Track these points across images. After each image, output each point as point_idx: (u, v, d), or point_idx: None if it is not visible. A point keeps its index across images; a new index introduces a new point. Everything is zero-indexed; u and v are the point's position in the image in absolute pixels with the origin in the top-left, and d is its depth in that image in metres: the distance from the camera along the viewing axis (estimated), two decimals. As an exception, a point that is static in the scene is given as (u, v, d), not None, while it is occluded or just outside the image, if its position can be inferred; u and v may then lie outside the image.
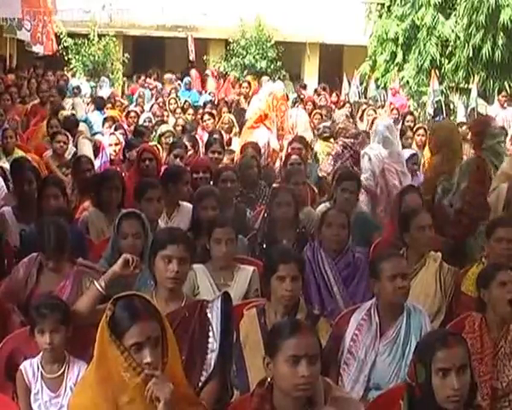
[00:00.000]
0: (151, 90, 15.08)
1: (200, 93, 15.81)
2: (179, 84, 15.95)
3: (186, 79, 16.32)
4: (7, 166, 6.54)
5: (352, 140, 7.23)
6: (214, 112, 10.37)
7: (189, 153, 7.31)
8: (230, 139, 8.99)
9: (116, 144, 7.71)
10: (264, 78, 14.02)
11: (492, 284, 3.50)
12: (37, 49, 13.36)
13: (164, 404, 2.56)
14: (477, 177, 5.18)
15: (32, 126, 8.77)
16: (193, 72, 17.37)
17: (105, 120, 9.53)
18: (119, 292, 2.82)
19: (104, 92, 13.87)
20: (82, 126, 9.05)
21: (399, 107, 12.16)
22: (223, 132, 8.66)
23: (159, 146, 7.51)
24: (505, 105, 12.43)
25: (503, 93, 13.05)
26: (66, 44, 17.46)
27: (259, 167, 6.32)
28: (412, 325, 3.50)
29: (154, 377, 2.59)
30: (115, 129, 8.53)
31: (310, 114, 10.61)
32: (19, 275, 3.86)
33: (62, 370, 3.25)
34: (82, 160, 6.25)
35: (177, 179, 5.39)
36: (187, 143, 7.49)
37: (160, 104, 11.84)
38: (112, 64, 17.81)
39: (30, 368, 3.25)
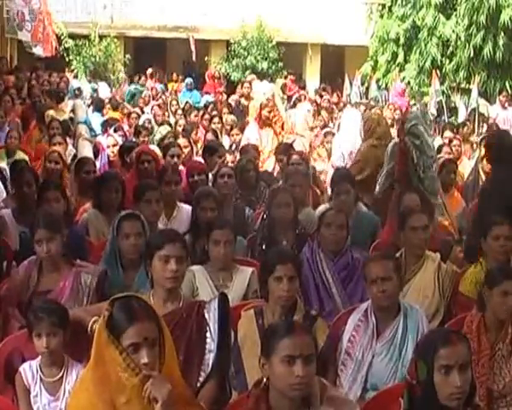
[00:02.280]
0: (151, 90, 15.12)
1: (202, 94, 15.86)
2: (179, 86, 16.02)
3: (187, 80, 16.36)
4: (4, 166, 6.57)
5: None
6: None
7: (187, 150, 7.29)
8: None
9: (114, 145, 7.72)
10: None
11: (496, 289, 3.51)
12: (37, 51, 13.37)
13: (161, 404, 2.55)
14: (400, 159, 5.78)
15: (32, 128, 8.79)
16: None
17: (105, 121, 9.55)
18: (117, 293, 2.83)
19: (102, 95, 13.88)
20: (82, 128, 9.06)
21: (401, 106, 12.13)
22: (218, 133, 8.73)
23: (157, 149, 7.50)
24: (506, 105, 12.46)
25: (504, 93, 13.08)
26: (67, 46, 17.50)
27: (257, 170, 6.27)
28: (409, 325, 3.52)
29: (152, 377, 2.60)
30: (115, 130, 8.55)
31: (313, 116, 10.70)
32: (19, 277, 3.89)
33: (61, 373, 3.25)
34: (85, 161, 6.22)
35: (169, 181, 5.37)
36: (184, 140, 7.47)
37: (161, 105, 11.86)
38: (113, 65, 17.84)
39: (29, 370, 3.25)
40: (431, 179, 5.76)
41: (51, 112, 8.64)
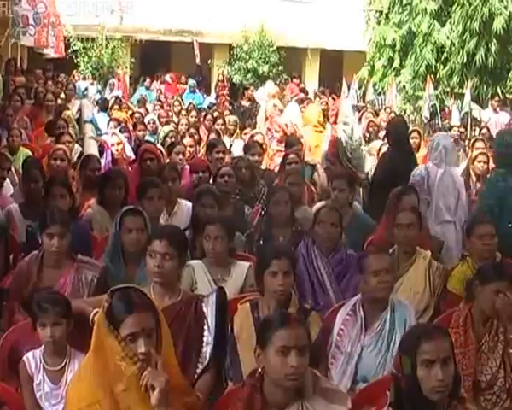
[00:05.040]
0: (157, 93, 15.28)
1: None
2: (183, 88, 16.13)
3: (190, 83, 16.48)
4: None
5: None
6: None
7: (192, 149, 7.41)
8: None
9: (118, 144, 7.81)
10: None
11: (488, 286, 3.51)
12: (48, 51, 13.42)
13: (159, 392, 2.60)
14: (332, 142, 7.46)
15: (39, 127, 8.86)
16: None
17: (110, 121, 9.65)
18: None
19: (115, 94, 13.97)
20: (88, 127, 9.17)
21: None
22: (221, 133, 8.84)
23: (161, 147, 7.63)
24: (498, 109, 12.59)
25: (496, 98, 13.19)
26: (75, 48, 17.60)
27: (251, 168, 6.28)
28: (397, 319, 3.54)
29: (150, 366, 2.64)
30: (120, 130, 8.67)
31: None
32: (20, 273, 3.96)
33: (64, 363, 3.30)
34: (90, 158, 6.24)
35: (165, 177, 5.46)
36: (190, 140, 7.58)
37: (164, 106, 11.97)
38: (118, 68, 17.92)
39: (33, 359, 3.30)
40: (357, 159, 7.16)
41: (68, 112, 8.73)
